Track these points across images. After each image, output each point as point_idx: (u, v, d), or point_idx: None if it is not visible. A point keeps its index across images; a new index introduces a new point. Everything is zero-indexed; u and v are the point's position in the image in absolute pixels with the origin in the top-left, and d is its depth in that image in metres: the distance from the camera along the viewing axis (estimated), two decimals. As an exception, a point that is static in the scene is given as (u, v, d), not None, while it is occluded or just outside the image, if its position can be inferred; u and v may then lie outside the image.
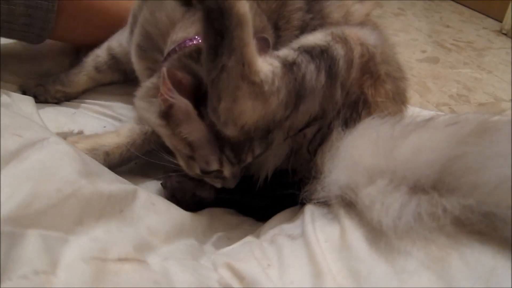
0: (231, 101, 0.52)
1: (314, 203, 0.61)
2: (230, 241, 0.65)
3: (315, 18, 0.70)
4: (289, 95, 0.56)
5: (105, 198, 0.52)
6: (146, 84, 0.66)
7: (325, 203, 0.60)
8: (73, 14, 0.90)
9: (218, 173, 0.65)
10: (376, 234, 0.49)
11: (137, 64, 0.75)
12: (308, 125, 0.63)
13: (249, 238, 0.64)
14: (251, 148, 0.62)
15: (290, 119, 0.60)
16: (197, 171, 0.64)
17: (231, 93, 0.52)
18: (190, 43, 0.62)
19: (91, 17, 0.93)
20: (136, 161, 0.81)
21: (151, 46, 0.70)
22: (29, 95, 0.88)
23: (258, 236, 0.64)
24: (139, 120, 0.78)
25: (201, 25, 0.51)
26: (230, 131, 0.55)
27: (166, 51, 0.65)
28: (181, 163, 0.66)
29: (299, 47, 0.59)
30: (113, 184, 0.57)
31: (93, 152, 0.71)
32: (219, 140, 0.60)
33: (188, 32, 0.63)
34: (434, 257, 0.45)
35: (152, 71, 0.71)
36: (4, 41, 0.97)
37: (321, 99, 0.60)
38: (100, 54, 0.93)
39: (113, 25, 0.92)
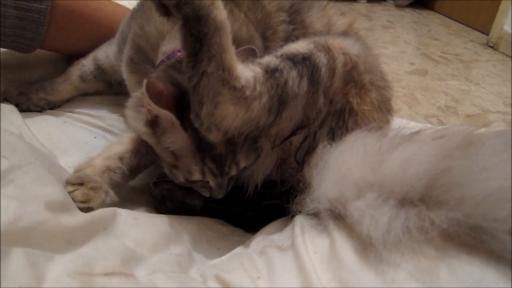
0: (213, 107, 0.53)
1: (304, 214, 0.61)
2: (220, 251, 0.65)
3: (297, 29, 0.71)
4: (271, 100, 0.56)
5: (89, 219, 0.53)
6: (136, 94, 0.67)
7: (314, 215, 0.60)
8: (63, 25, 0.90)
9: (204, 183, 0.65)
10: (366, 246, 0.49)
11: (128, 79, 0.75)
12: (293, 133, 0.63)
13: (238, 250, 0.64)
14: (235, 161, 0.62)
15: (275, 126, 0.61)
16: (181, 179, 0.64)
17: (212, 98, 0.53)
18: (179, 54, 0.62)
19: (81, 28, 0.93)
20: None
21: (142, 59, 0.71)
22: (11, 103, 0.87)
23: (247, 247, 0.63)
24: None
25: (180, 33, 0.52)
26: (213, 137, 0.56)
27: (157, 63, 0.65)
28: (166, 171, 0.66)
29: (281, 54, 0.60)
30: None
31: (111, 160, 0.71)
32: (201, 151, 0.60)
33: (176, 43, 0.64)
34: (422, 268, 0.45)
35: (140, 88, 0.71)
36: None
37: (304, 106, 0.61)
38: (85, 63, 0.93)
39: (103, 36, 0.92)
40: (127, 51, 0.73)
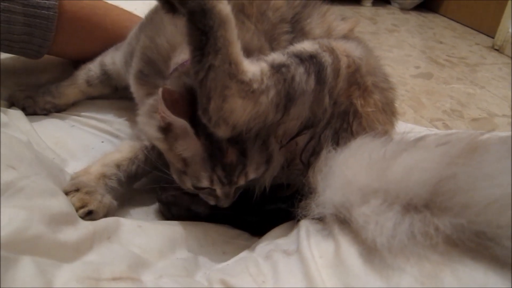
0: (221, 101, 0.53)
1: (309, 219, 0.62)
2: (225, 255, 0.66)
3: (297, 37, 0.71)
4: (278, 95, 0.56)
5: (92, 230, 0.55)
6: (149, 101, 0.67)
7: (319, 220, 0.60)
8: (71, 32, 0.91)
9: (211, 191, 0.66)
10: (370, 251, 0.50)
11: (137, 91, 0.75)
12: (299, 133, 0.64)
13: (244, 254, 0.64)
14: (244, 172, 0.63)
15: (283, 125, 0.61)
16: (189, 185, 0.65)
17: (220, 92, 0.53)
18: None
19: (89, 35, 0.95)
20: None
21: (153, 71, 0.71)
22: (18, 107, 0.89)
23: (253, 251, 0.64)
24: (137, 137, 0.79)
25: (186, 28, 0.52)
26: (222, 132, 0.56)
27: (168, 74, 0.66)
28: (174, 176, 0.67)
29: (287, 52, 0.60)
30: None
31: (107, 167, 0.72)
32: (212, 159, 0.61)
33: (188, 54, 0.65)
34: (427, 273, 0.45)
35: (152, 96, 0.72)
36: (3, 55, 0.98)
37: (311, 104, 0.61)
38: (92, 68, 0.94)
39: (109, 42, 0.94)
40: (136, 63, 0.74)
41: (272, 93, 0.56)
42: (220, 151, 0.60)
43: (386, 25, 2.92)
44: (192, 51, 0.53)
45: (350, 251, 0.52)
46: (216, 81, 0.52)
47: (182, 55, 0.66)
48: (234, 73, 0.53)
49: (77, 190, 0.65)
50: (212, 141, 0.59)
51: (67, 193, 0.64)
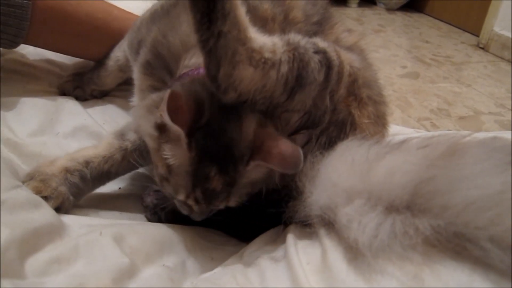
0: (231, 68, 0.52)
1: (296, 222, 0.62)
2: (214, 261, 0.66)
3: None
4: (290, 73, 0.55)
5: (79, 234, 0.54)
6: (153, 96, 0.66)
7: (307, 223, 0.60)
8: (44, 21, 0.91)
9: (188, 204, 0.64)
10: (354, 253, 0.50)
11: (140, 80, 0.74)
12: (298, 130, 0.63)
13: (231, 261, 0.64)
14: (226, 200, 0.61)
15: (285, 114, 0.60)
16: (168, 192, 0.64)
17: (231, 59, 0.52)
18: (203, 72, 0.61)
19: (63, 25, 0.94)
20: (120, 187, 0.81)
21: (161, 65, 0.70)
22: (70, 95, 0.98)
23: (241, 258, 0.64)
24: (120, 135, 0.78)
25: None
26: (229, 98, 0.54)
27: (177, 74, 0.65)
28: (156, 178, 0.65)
29: (304, 37, 0.59)
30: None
31: (73, 162, 0.71)
32: (195, 178, 0.59)
33: (201, 60, 0.64)
34: (408, 274, 0.46)
35: (155, 89, 0.71)
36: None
37: (315, 98, 0.60)
38: (119, 56, 0.96)
39: (84, 33, 0.95)
40: (144, 53, 0.72)
41: (284, 68, 0.54)
42: (206, 176, 0.58)
43: (372, 25, 2.94)
44: (199, 19, 0.51)
45: (336, 256, 0.52)
46: (226, 47, 0.51)
47: (194, 59, 0.64)
48: (242, 40, 0.52)
49: (32, 178, 0.65)
50: (201, 161, 0.58)
51: (23, 182, 0.64)
